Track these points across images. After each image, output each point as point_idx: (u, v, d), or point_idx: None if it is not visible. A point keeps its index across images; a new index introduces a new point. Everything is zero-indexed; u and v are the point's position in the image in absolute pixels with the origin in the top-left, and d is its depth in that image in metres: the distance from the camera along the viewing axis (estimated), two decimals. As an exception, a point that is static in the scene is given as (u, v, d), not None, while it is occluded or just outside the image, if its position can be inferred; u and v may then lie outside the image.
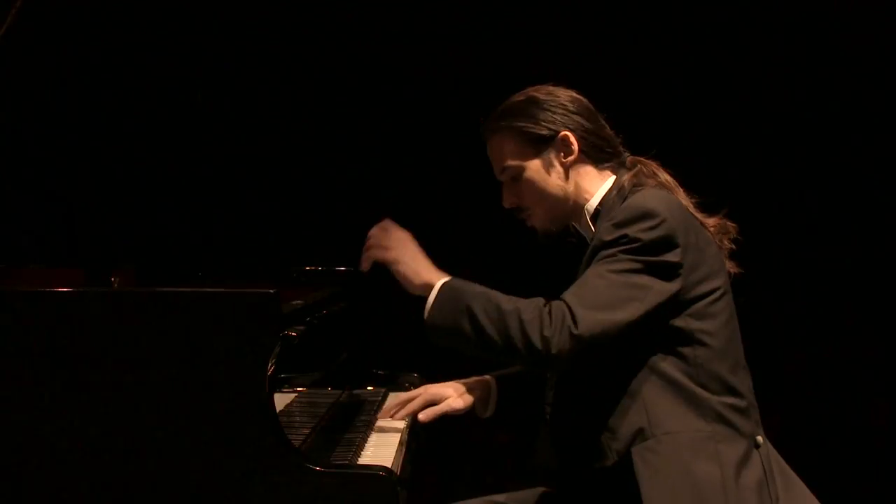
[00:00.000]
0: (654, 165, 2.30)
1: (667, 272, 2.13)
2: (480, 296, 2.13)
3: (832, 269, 3.99)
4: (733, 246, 2.28)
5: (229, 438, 1.96)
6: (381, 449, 2.22)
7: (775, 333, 3.91)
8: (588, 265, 2.18)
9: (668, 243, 2.13)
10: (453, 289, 2.15)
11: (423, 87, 4.11)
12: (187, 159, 4.02)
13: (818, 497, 2.28)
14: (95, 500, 1.97)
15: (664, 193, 2.21)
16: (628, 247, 2.12)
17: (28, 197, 3.69)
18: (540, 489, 2.41)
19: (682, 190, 2.29)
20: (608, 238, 2.15)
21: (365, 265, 2.26)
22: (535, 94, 2.32)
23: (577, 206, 2.31)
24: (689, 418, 2.15)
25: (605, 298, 2.09)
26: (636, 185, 2.24)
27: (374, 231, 2.29)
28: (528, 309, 2.10)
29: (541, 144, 2.28)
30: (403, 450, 2.25)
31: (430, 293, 2.16)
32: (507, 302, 2.12)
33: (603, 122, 2.33)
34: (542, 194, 2.30)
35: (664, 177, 2.28)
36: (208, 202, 4.02)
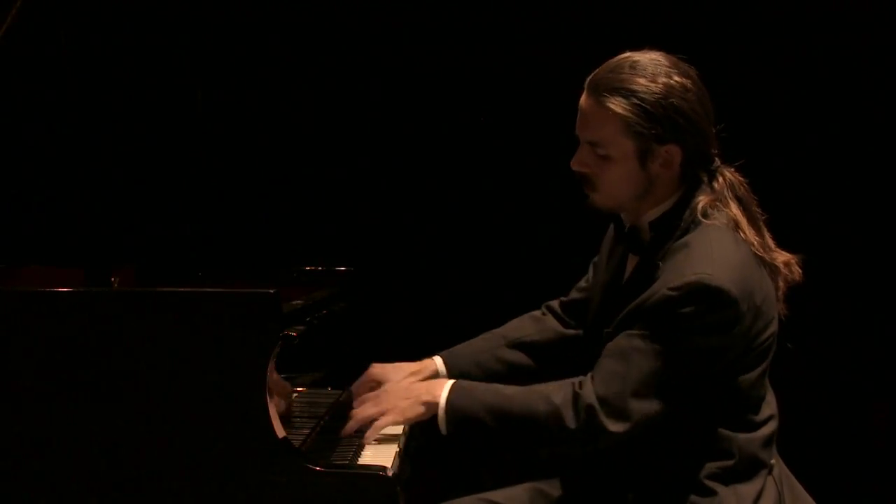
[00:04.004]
0: (738, 185, 2.18)
1: (719, 354, 2.04)
2: (489, 404, 2.11)
3: (832, 268, 3.98)
4: (785, 289, 2.19)
5: (229, 438, 1.96)
6: (381, 449, 2.22)
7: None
8: (637, 313, 2.07)
9: (728, 324, 2.02)
10: (458, 406, 2.13)
11: (423, 87, 4.11)
12: (187, 159, 4.02)
13: (820, 498, 2.29)
14: (95, 500, 1.97)
15: (729, 246, 2.08)
16: (684, 328, 2.00)
17: (28, 197, 3.69)
18: (531, 484, 2.40)
19: (762, 224, 2.18)
20: (666, 310, 2.02)
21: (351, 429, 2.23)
22: (670, 83, 2.08)
23: (642, 207, 2.18)
24: (713, 458, 2.11)
25: (645, 388, 2.01)
26: (705, 214, 2.11)
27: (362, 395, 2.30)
28: (546, 408, 2.05)
29: (646, 147, 2.10)
30: (403, 449, 2.25)
31: (438, 409, 2.14)
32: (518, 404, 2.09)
33: (713, 130, 2.16)
34: (616, 185, 2.14)
35: (749, 207, 2.16)
36: (208, 202, 4.02)
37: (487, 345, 2.52)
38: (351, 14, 4.09)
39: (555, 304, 2.57)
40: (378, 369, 2.46)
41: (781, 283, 2.19)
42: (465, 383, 2.19)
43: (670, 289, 2.02)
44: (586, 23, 3.99)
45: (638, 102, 2.08)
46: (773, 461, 2.18)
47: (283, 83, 4.12)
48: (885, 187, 4.04)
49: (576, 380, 2.08)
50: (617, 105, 2.09)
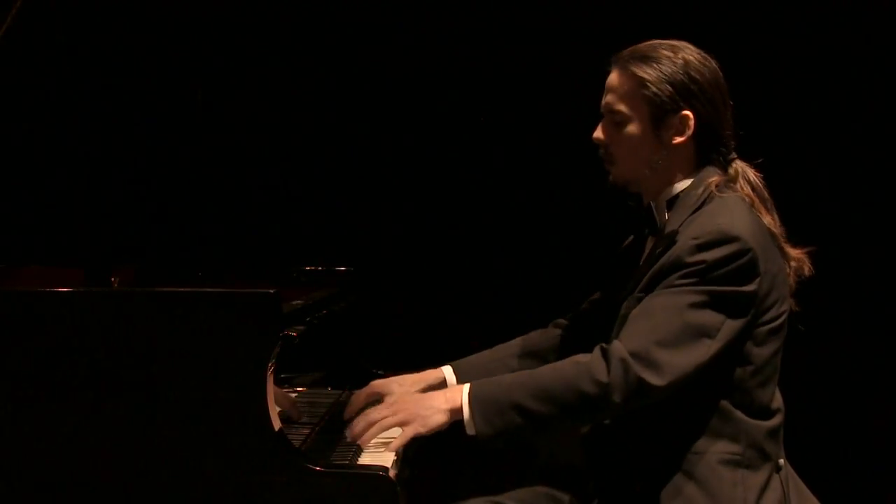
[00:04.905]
0: (752, 172, 2.24)
1: (741, 305, 2.08)
2: (516, 385, 2.09)
3: (832, 268, 3.98)
4: (795, 281, 2.23)
5: (229, 438, 1.96)
6: (381, 449, 2.22)
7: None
8: (659, 275, 2.12)
9: (748, 273, 2.08)
10: (484, 398, 2.09)
11: (423, 86, 4.11)
12: (187, 159, 4.02)
13: (821, 497, 2.29)
14: (95, 500, 1.97)
15: (746, 211, 2.15)
16: (707, 276, 2.06)
17: (28, 197, 3.69)
18: (542, 489, 2.41)
19: (775, 213, 2.24)
20: (687, 260, 2.08)
21: (365, 440, 2.17)
22: (681, 52, 2.21)
23: (658, 183, 2.24)
24: (722, 440, 2.13)
25: (673, 338, 2.04)
26: (720, 189, 2.17)
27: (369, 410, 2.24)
28: (573, 369, 2.06)
29: (660, 111, 2.19)
30: (403, 449, 2.24)
31: (461, 411, 2.10)
32: (546, 376, 2.08)
33: (729, 116, 2.25)
34: (633, 153, 2.23)
35: (760, 192, 2.23)
36: (208, 202, 4.02)
37: (497, 355, 2.52)
38: (351, 14, 4.09)
39: (562, 320, 2.59)
40: (381, 381, 2.45)
41: (791, 273, 2.22)
42: (483, 380, 2.18)
43: (692, 239, 2.09)
44: (586, 23, 3.99)
45: (657, 67, 2.19)
46: (780, 460, 2.19)
47: (284, 83, 4.12)
48: (886, 185, 4.04)
49: (601, 344, 2.10)
50: (638, 69, 2.20)
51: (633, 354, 2.02)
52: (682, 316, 2.05)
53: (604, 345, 2.08)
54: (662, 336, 2.04)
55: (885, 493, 4.05)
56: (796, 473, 2.27)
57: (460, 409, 2.11)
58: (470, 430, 2.10)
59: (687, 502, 2.10)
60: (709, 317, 2.06)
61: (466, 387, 2.13)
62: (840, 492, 3.55)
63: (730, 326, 2.07)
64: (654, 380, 2.01)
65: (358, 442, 2.18)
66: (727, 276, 2.07)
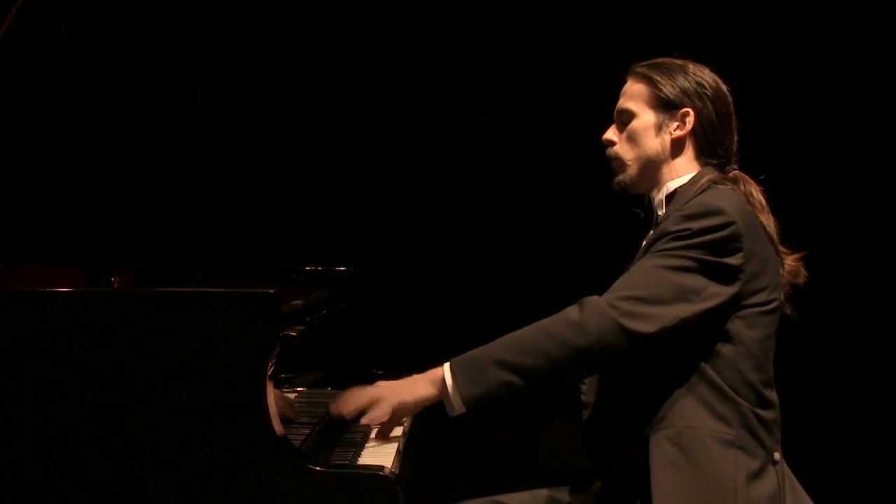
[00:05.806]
0: (753, 185, 2.30)
1: (725, 275, 2.14)
2: (494, 345, 2.14)
3: (831, 269, 3.99)
4: (790, 290, 2.28)
5: (229, 438, 1.96)
6: (381, 449, 2.22)
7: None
8: (650, 247, 2.20)
9: (731, 245, 2.14)
10: (464, 361, 2.14)
11: (423, 87, 4.11)
12: (187, 159, 4.03)
13: (820, 497, 2.29)
14: (95, 500, 1.97)
15: (738, 199, 2.21)
16: (690, 242, 2.13)
17: (28, 197, 3.69)
18: (544, 491, 2.41)
19: (771, 217, 2.28)
20: (672, 228, 2.16)
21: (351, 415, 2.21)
22: (691, 66, 2.34)
23: (659, 179, 2.33)
24: (714, 418, 2.15)
25: (654, 294, 2.11)
26: (715, 183, 2.24)
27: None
28: (552, 320, 2.13)
29: (663, 106, 2.31)
30: (403, 449, 2.25)
31: (445, 384, 2.14)
32: (525, 333, 2.14)
33: (732, 128, 2.34)
34: (636, 147, 2.32)
35: (758, 197, 2.28)
36: (208, 202, 4.03)
37: None
38: (351, 14, 4.09)
39: None
40: (383, 383, 2.45)
41: (785, 275, 2.26)
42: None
43: (678, 210, 2.18)
44: (586, 23, 3.99)
45: (667, 71, 2.32)
46: (776, 454, 2.20)
47: (284, 83, 4.13)
48: (884, 188, 4.04)
49: None
50: (649, 72, 2.33)
51: (611, 305, 2.10)
52: (662, 275, 2.13)
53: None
54: (643, 292, 2.11)
55: (884, 495, 4.05)
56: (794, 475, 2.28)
57: (443, 380, 2.14)
58: (456, 401, 2.13)
59: (677, 473, 2.12)
60: (690, 279, 2.13)
61: (447, 364, 2.17)
62: (839, 494, 3.55)
63: (712, 292, 2.13)
64: (637, 326, 2.08)
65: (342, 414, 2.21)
66: (709, 245, 2.13)
